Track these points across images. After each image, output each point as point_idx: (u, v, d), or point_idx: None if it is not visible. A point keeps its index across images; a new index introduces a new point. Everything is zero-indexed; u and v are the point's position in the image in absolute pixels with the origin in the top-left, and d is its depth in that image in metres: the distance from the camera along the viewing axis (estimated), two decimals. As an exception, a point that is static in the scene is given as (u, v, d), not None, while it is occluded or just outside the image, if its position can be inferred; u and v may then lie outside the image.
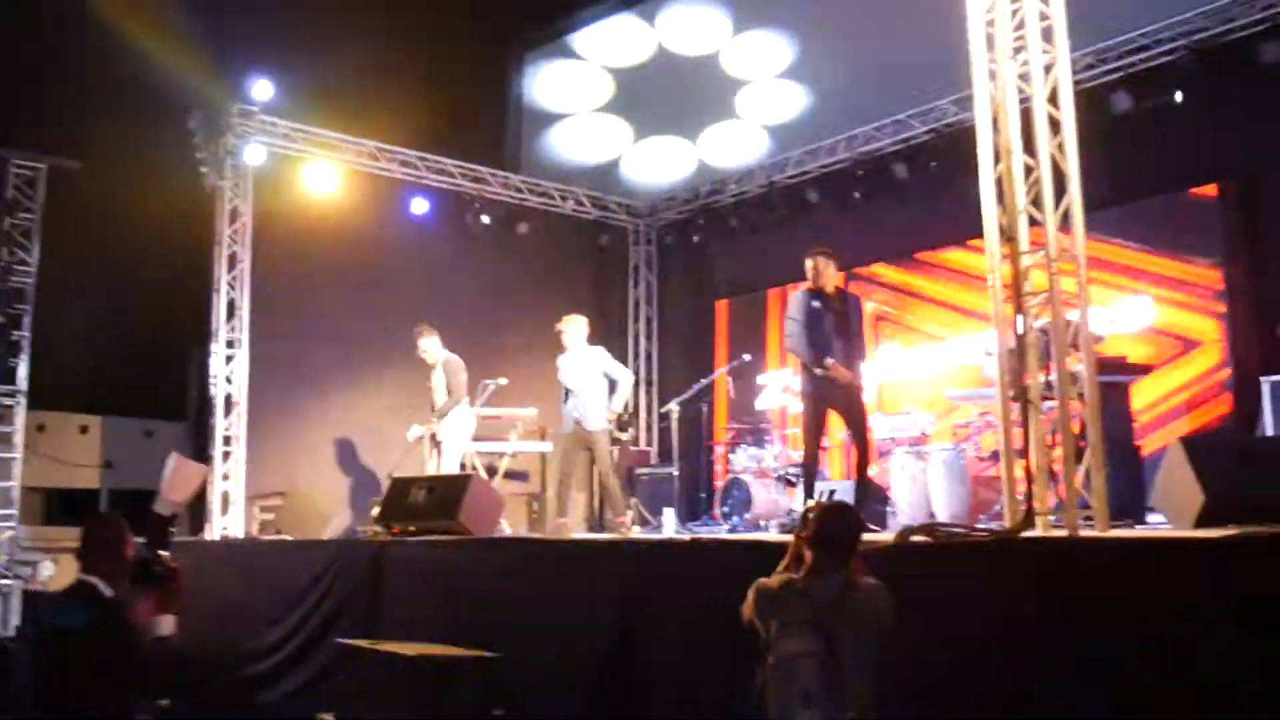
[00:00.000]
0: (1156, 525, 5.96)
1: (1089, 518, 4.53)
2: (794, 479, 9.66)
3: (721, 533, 8.92)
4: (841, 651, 3.19)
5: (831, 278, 7.12)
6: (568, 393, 8.56)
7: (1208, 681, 3.14)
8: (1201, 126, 8.98)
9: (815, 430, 7.13)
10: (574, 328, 8.65)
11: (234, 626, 7.70)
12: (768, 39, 12.74)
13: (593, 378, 8.47)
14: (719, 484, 10.06)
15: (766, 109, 12.90)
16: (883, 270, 11.69)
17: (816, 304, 7.02)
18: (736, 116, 13.15)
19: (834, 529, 3.50)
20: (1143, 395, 8.76)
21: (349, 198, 11.67)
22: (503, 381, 9.29)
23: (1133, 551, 3.72)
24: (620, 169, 13.99)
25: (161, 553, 4.29)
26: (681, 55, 13.37)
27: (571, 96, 14.11)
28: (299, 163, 11.44)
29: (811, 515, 3.58)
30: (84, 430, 11.81)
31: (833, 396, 6.97)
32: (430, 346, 9.25)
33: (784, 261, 12.38)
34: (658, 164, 13.87)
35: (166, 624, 4.00)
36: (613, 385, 8.60)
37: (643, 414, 13.97)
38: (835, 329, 6.93)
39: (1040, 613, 3.59)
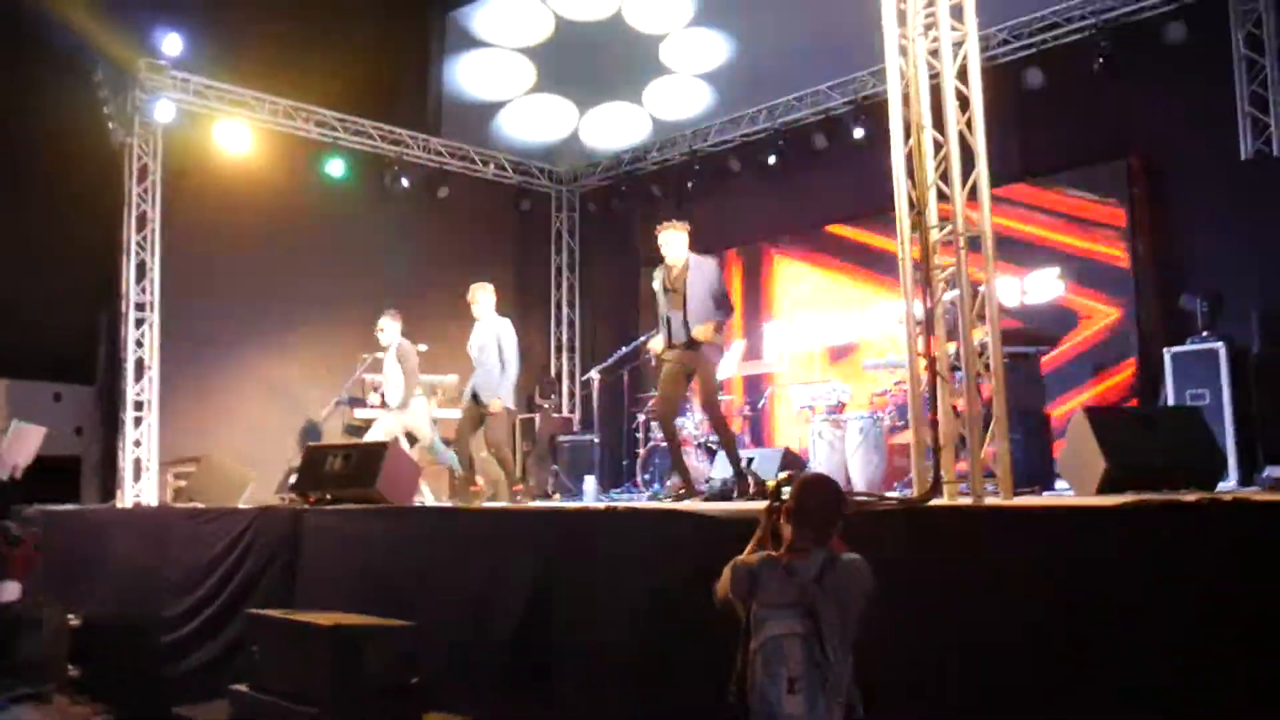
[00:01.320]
0: (1062, 492, 6.14)
1: (995, 487, 4.66)
2: (714, 447, 9.77)
3: (643, 500, 8.99)
4: (825, 632, 3.02)
5: (671, 249, 6.99)
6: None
7: (1106, 643, 3.25)
8: (1110, 103, 9.22)
9: (665, 393, 7.10)
10: (482, 297, 8.35)
11: (146, 596, 7.57)
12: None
13: (491, 350, 8.16)
14: (641, 452, 10.11)
15: (697, 61, 13.00)
16: (803, 238, 11.80)
17: (657, 279, 7.06)
18: (670, 71, 13.21)
19: (814, 502, 3.25)
20: (1052, 366, 9.01)
21: (264, 158, 11.43)
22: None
23: (1033, 518, 3.82)
24: (501, 119, 13.99)
25: (8, 523, 4.21)
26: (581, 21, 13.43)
27: (498, 32, 14.02)
28: (211, 120, 11.16)
29: (789, 488, 3.30)
30: (-12, 393, 11.45)
31: (684, 363, 6.91)
32: (388, 328, 8.87)
33: (706, 229, 12.40)
34: (541, 121, 13.90)
35: (10, 590, 3.95)
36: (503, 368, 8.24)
37: (564, 381, 13.99)
38: (673, 302, 6.92)
39: (945, 580, 3.68)
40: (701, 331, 6.76)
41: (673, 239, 7.03)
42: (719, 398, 7.33)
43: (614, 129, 13.51)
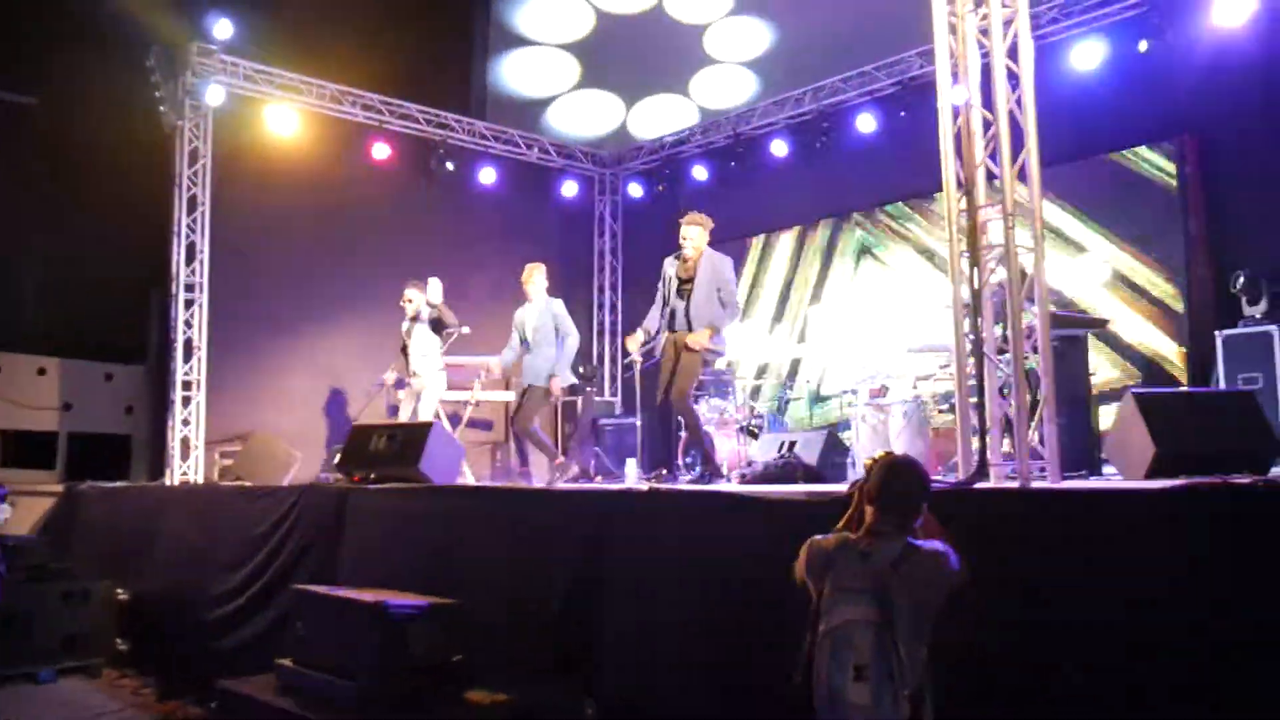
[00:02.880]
0: (1109, 477, 6.04)
1: (1043, 469, 4.59)
2: (757, 430, 9.73)
3: (683, 483, 8.97)
4: (897, 621, 2.91)
5: (691, 241, 6.97)
6: (524, 343, 8.40)
7: (1154, 631, 3.19)
8: (1162, 80, 9.02)
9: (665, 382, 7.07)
10: (538, 277, 8.46)
11: (193, 572, 7.68)
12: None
13: (544, 330, 8.26)
14: (683, 435, 10.08)
15: (740, 48, 12.99)
16: (848, 220, 11.70)
17: (671, 267, 7.08)
18: (716, 61, 13.19)
19: (895, 486, 3.14)
20: (1100, 348, 8.88)
21: (311, 141, 11.53)
22: (465, 330, 9.24)
23: (1082, 502, 3.76)
24: (549, 115, 14.08)
25: None
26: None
27: (542, 29, 14.11)
28: (260, 104, 11.26)
29: (872, 471, 3.19)
30: (42, 372, 11.66)
31: (679, 349, 6.95)
32: (416, 298, 9.16)
33: (749, 212, 12.41)
34: (587, 116, 13.92)
35: None
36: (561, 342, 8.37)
37: (606, 365, 13.99)
38: (681, 292, 6.95)
39: (991, 564, 3.62)
40: (696, 339, 6.79)
41: (694, 232, 7.01)
42: (693, 393, 7.38)
43: (661, 120, 13.58)
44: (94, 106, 11.21)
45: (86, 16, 10.95)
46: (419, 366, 9.08)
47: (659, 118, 13.62)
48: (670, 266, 7.09)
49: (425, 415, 8.85)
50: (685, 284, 6.98)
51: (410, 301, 9.17)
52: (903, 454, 3.33)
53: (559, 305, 8.42)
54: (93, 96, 11.21)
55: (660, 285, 7.14)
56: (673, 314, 7.02)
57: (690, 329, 6.88)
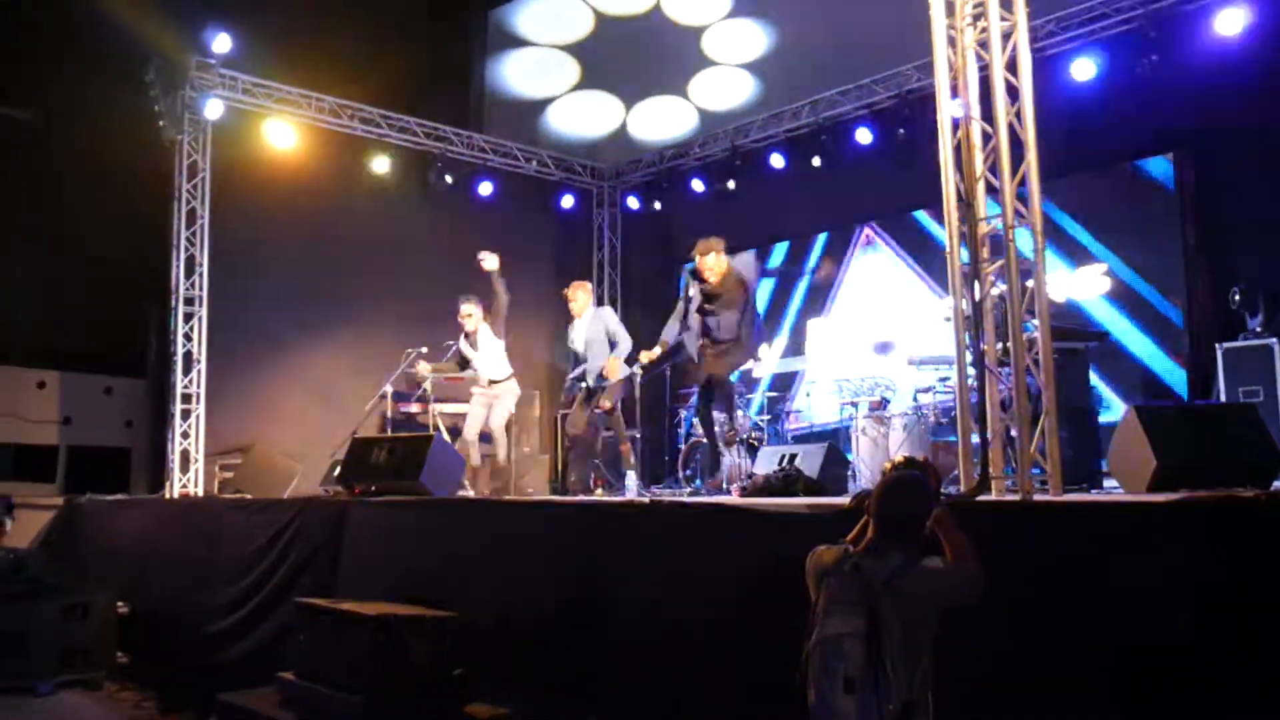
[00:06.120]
0: (1111, 490, 6.05)
1: (1044, 482, 4.60)
2: (757, 443, 9.72)
3: (684, 495, 8.96)
4: (884, 636, 2.93)
5: (709, 267, 7.25)
6: (576, 360, 8.57)
7: (1156, 643, 3.20)
8: (1161, 93, 9.05)
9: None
10: (579, 294, 8.69)
11: (194, 585, 7.67)
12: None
13: (597, 341, 8.43)
14: (683, 447, 10.09)
15: (739, 51, 13.00)
16: (847, 233, 11.73)
17: (693, 292, 7.33)
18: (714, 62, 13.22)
19: (892, 507, 3.16)
20: (1100, 361, 8.88)
21: (310, 154, 11.54)
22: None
23: (1083, 515, 3.76)
24: (548, 116, 14.06)
25: None
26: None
27: (540, 30, 14.17)
28: (259, 118, 11.27)
29: (875, 487, 3.25)
30: (42, 385, 11.65)
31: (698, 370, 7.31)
32: (475, 313, 9.08)
33: (748, 225, 12.43)
34: (587, 117, 13.94)
35: None
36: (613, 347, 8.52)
37: (606, 376, 13.99)
38: (706, 315, 7.24)
39: (993, 576, 3.63)
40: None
41: (710, 261, 7.29)
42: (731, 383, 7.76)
43: (661, 122, 13.57)
44: (93, 121, 11.21)
45: (85, 31, 10.96)
46: (497, 374, 9.04)
47: (659, 120, 13.59)
48: (693, 288, 7.27)
49: (498, 422, 8.97)
50: (710, 302, 7.11)
51: (470, 316, 9.05)
52: (907, 470, 3.32)
53: (608, 313, 8.68)
54: (91, 111, 11.21)
55: (680, 300, 7.28)
56: (708, 327, 7.25)
57: (718, 345, 7.13)
